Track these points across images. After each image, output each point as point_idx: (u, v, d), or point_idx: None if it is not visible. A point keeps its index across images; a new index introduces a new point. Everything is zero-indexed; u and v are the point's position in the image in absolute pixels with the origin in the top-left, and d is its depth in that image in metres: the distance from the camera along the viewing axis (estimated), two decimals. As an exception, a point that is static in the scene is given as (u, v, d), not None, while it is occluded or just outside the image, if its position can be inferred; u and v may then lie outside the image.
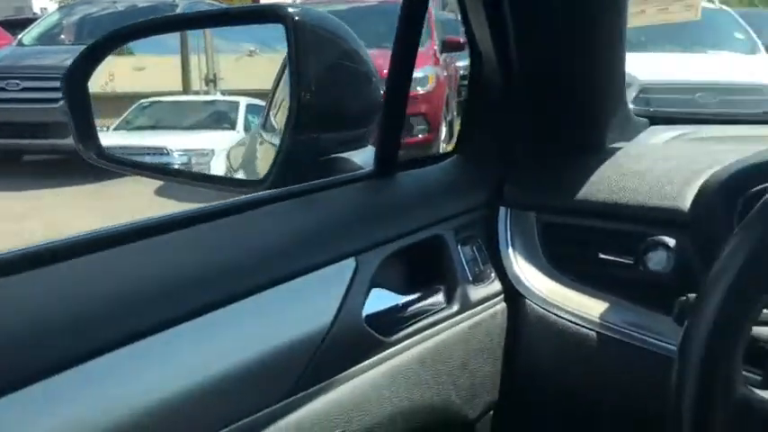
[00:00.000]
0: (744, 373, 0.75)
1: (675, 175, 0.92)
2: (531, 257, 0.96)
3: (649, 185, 0.92)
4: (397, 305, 0.78)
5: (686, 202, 0.87)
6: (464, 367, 0.83)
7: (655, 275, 0.86)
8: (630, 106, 1.34)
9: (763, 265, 0.55)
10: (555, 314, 0.90)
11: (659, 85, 5.10)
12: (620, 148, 1.05)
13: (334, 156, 1.01)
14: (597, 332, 0.87)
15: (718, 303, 0.55)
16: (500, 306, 0.92)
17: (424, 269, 0.85)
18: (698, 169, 0.91)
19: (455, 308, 0.84)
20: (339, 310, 0.68)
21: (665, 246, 0.86)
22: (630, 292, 0.88)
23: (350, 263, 0.71)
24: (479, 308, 0.88)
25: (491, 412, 0.89)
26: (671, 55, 5.42)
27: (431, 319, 0.80)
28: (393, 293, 0.78)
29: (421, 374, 0.76)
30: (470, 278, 0.88)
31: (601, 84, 1.04)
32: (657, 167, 0.95)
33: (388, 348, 0.73)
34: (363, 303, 0.71)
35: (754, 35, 5.85)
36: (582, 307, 0.89)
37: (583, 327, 0.87)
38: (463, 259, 0.89)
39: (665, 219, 0.88)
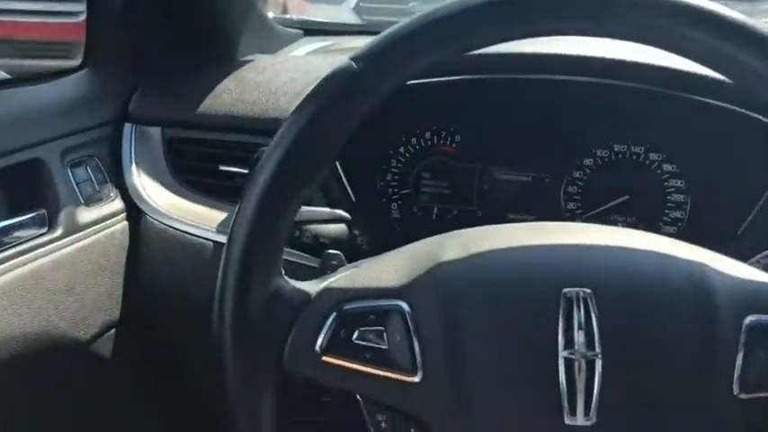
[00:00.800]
0: (307, 262, 0.84)
1: (291, 86, 0.96)
2: (155, 174, 0.95)
3: (266, 97, 0.95)
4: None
5: None
6: (70, 290, 0.81)
7: None
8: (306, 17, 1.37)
9: (297, 159, 0.57)
10: (175, 228, 0.91)
11: (376, -7, 5.27)
12: (250, 61, 1.07)
13: None
14: (215, 241, 0.90)
15: (256, 197, 0.57)
16: (120, 225, 0.91)
17: (22, 194, 0.81)
18: (311, 81, 0.96)
19: (58, 232, 0.81)
20: None
21: None
22: None
23: None
24: (92, 229, 0.86)
25: (112, 331, 0.89)
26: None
27: (22, 247, 0.77)
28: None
29: (5, 306, 0.73)
30: (82, 200, 0.86)
31: None
32: (278, 79, 0.99)
33: None
34: None
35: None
36: (202, 219, 0.92)
37: (201, 237, 0.90)
38: (73, 181, 0.86)
39: (276, 130, 0.92)
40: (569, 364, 0.53)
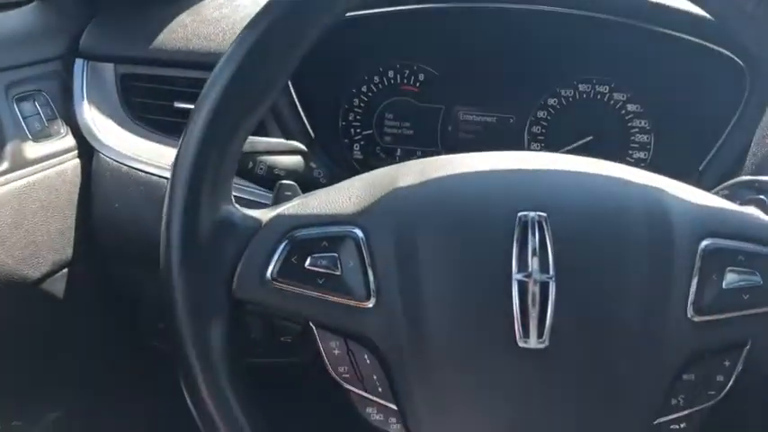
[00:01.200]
0: (260, 199, 0.82)
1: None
2: (109, 110, 0.92)
3: (223, 32, 0.92)
4: None
5: None
6: (18, 227, 0.79)
7: None
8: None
9: (247, 78, 0.55)
10: (129, 165, 0.88)
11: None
12: (207, -4, 1.03)
13: None
14: (169, 179, 0.87)
15: (204, 117, 0.55)
16: (72, 162, 0.88)
17: None
18: None
19: (4, 166, 0.78)
20: None
21: None
22: None
23: None
24: (41, 165, 0.83)
25: (64, 270, 0.87)
26: None
27: None
28: None
29: None
30: (29, 135, 0.83)
31: None
32: (235, 15, 0.95)
33: None
34: None
35: None
36: (156, 156, 0.89)
37: (155, 175, 0.88)
38: (19, 115, 0.82)
39: None
40: (523, 286, 0.52)
